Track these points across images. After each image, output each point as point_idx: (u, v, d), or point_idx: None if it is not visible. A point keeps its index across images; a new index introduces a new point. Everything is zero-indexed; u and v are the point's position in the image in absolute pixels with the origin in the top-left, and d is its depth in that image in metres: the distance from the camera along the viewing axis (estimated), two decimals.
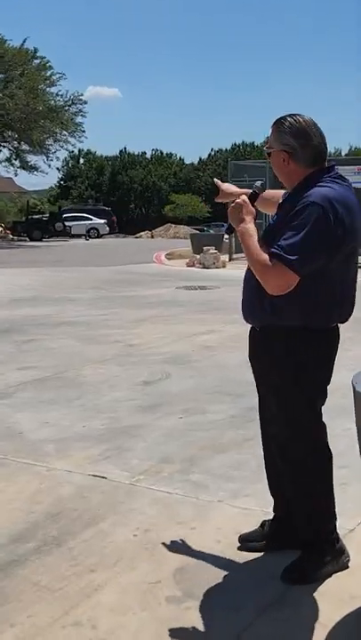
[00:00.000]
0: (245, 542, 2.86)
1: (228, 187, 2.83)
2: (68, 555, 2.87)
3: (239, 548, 2.85)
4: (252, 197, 2.52)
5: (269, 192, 2.68)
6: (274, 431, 2.63)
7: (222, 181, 2.85)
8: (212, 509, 3.25)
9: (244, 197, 2.50)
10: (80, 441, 4.24)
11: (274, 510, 2.84)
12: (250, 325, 2.67)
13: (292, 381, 2.50)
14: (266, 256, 2.35)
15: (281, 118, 2.46)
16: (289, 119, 2.43)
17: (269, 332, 2.52)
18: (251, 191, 2.57)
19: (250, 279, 2.51)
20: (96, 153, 63.70)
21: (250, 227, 2.44)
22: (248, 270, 2.53)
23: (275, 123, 2.47)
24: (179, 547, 2.89)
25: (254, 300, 2.51)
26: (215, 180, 2.87)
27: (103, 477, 3.65)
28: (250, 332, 2.67)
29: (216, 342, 7.27)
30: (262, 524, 2.89)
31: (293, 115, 2.45)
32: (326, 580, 2.60)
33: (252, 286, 2.51)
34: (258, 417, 2.81)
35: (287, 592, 2.55)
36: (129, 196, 59.29)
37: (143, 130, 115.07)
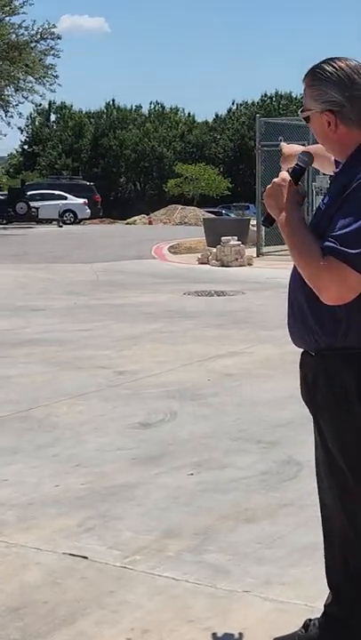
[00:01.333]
0: None
1: (290, 149, 2.81)
2: None
3: None
4: (296, 174, 2.52)
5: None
6: (336, 523, 2.57)
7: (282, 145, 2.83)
8: (235, 603, 3.23)
9: (285, 175, 2.51)
10: (52, 506, 4.23)
11: (326, 605, 2.81)
12: (299, 348, 2.64)
13: None
14: (317, 253, 2.34)
15: (315, 67, 2.47)
16: (326, 67, 2.44)
17: (331, 359, 2.50)
18: (294, 165, 2.58)
19: (298, 283, 2.50)
20: (73, 107, 64.29)
21: (294, 215, 2.44)
22: (295, 270, 2.52)
23: (308, 75, 2.48)
24: None
25: (306, 311, 2.50)
26: (281, 143, 2.86)
27: (84, 557, 3.64)
28: (301, 358, 2.64)
29: (240, 369, 7.28)
30: (305, 626, 2.88)
31: (330, 60, 2.46)
32: None
33: (301, 292, 2.49)
34: (301, 472, 2.80)
35: None
36: (118, 166, 59.62)
37: (138, 76, 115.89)
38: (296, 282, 2.53)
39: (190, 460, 4.90)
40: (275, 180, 2.50)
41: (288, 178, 2.49)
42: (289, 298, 2.59)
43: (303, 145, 3.18)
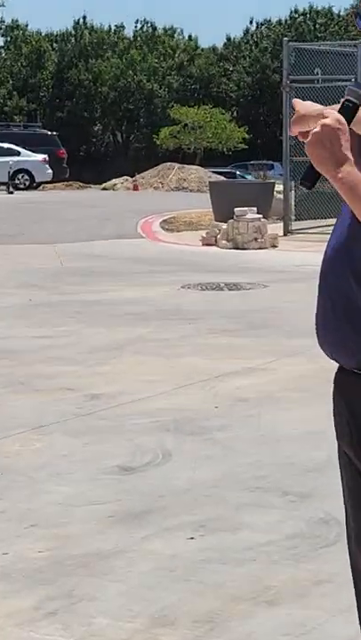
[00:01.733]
0: None
1: (306, 108, 2.82)
2: None
3: None
4: (349, 114, 2.52)
5: None
6: None
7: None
8: None
9: (338, 115, 2.49)
10: None
11: None
12: (336, 364, 2.63)
13: None
14: None
15: None
16: None
17: None
18: (342, 102, 2.58)
19: (340, 270, 2.49)
20: (29, 27, 64.37)
21: (357, 169, 2.43)
22: (334, 252, 2.51)
23: None
24: None
25: (350, 311, 2.49)
26: (294, 99, 2.87)
27: None
28: (336, 377, 2.64)
29: (259, 391, 7.29)
30: None
31: None
32: None
33: (344, 285, 2.48)
34: (343, 536, 2.82)
35: None
36: (91, 109, 59.69)
37: None
38: (333, 265, 2.51)
39: (190, 519, 4.90)
40: (325, 121, 2.45)
41: (342, 118, 2.49)
42: (321, 289, 2.57)
43: (351, 78, 3.18)
